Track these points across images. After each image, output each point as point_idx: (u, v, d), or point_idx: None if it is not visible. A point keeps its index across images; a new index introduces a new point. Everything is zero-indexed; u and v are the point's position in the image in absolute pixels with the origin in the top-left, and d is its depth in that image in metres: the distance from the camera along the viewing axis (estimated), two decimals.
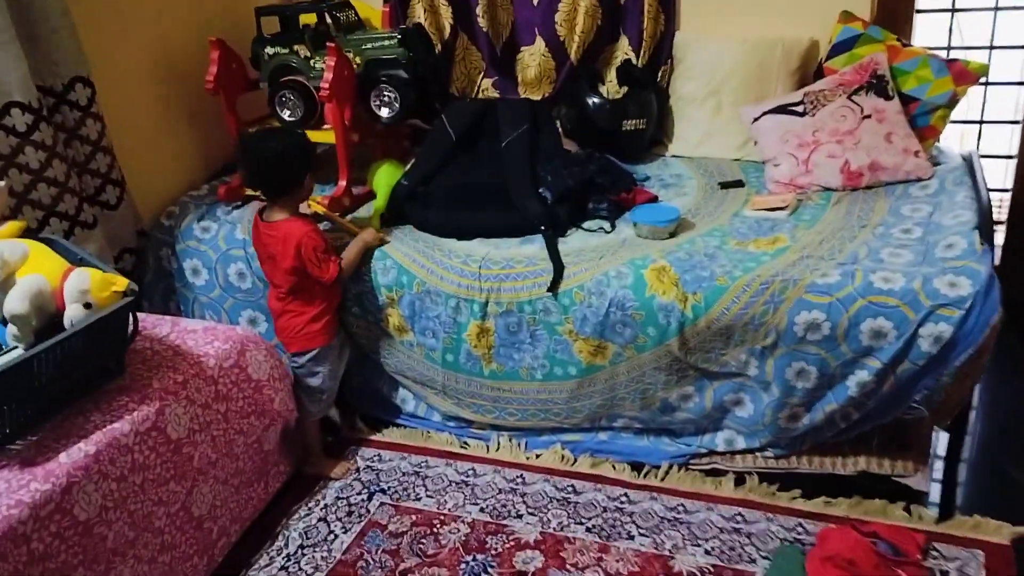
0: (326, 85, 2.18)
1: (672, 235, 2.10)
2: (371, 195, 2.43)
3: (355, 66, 2.32)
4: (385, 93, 2.30)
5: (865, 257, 1.89)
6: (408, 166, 2.37)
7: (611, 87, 2.75)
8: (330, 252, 1.99)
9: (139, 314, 1.74)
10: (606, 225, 2.20)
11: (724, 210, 2.25)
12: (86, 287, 1.49)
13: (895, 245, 1.93)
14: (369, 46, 2.33)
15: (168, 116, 2.50)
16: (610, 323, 1.95)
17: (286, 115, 2.38)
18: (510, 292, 2.04)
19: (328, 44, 2.19)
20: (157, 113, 2.45)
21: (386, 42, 2.30)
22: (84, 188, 2.15)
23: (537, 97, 2.81)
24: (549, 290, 1.99)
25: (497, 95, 2.86)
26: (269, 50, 2.41)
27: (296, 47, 2.37)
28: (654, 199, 2.31)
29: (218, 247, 2.31)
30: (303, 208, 2.08)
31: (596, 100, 2.56)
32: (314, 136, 2.35)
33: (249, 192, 2.40)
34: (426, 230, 2.25)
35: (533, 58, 2.80)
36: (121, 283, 1.53)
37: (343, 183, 2.36)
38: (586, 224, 2.23)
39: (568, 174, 2.26)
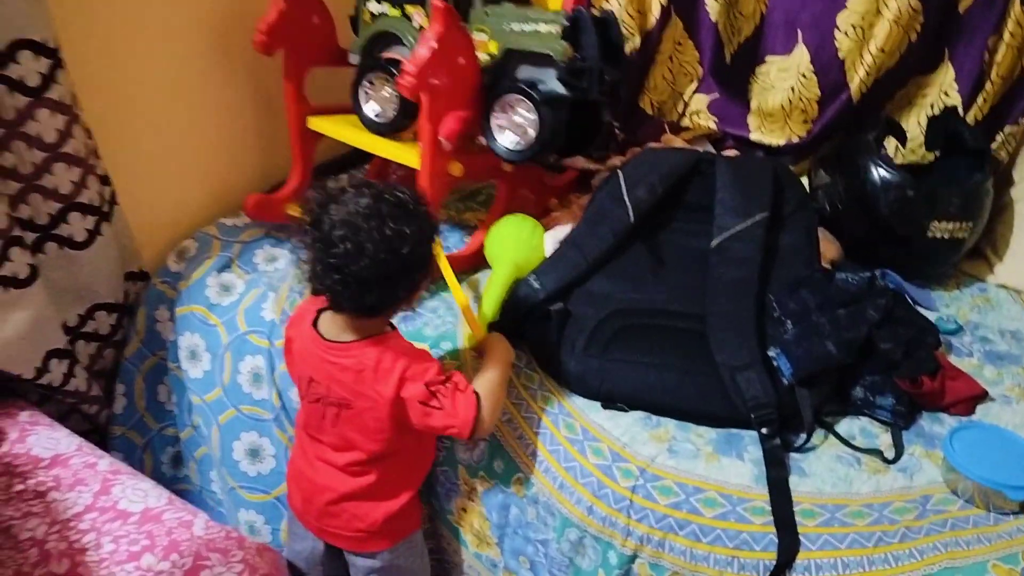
0: (411, 68, 1.24)
1: None
2: (475, 259, 1.52)
3: (486, 54, 1.37)
4: (518, 110, 1.34)
5: None
6: (550, 254, 1.41)
7: (912, 148, 1.65)
8: (452, 377, 1.10)
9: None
10: (885, 448, 1.17)
11: None
12: None
13: None
14: (515, 27, 1.36)
15: (195, 103, 1.59)
16: None
17: (370, 111, 1.47)
18: (682, 556, 1.07)
19: (434, 3, 1.25)
20: (176, 99, 1.55)
21: (542, 26, 1.33)
22: (29, 218, 1.33)
23: (777, 141, 1.75)
24: None
25: (713, 125, 1.82)
26: (374, 6, 1.49)
27: (412, 8, 1.43)
28: (979, 397, 1.25)
29: (235, 325, 1.45)
30: None
31: (888, 175, 1.48)
32: (382, 148, 1.45)
33: (296, 212, 1.51)
34: (556, 377, 1.29)
35: (784, 77, 1.74)
36: None
37: None
38: (844, 425, 1.21)
39: (828, 325, 1.22)
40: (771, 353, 1.21)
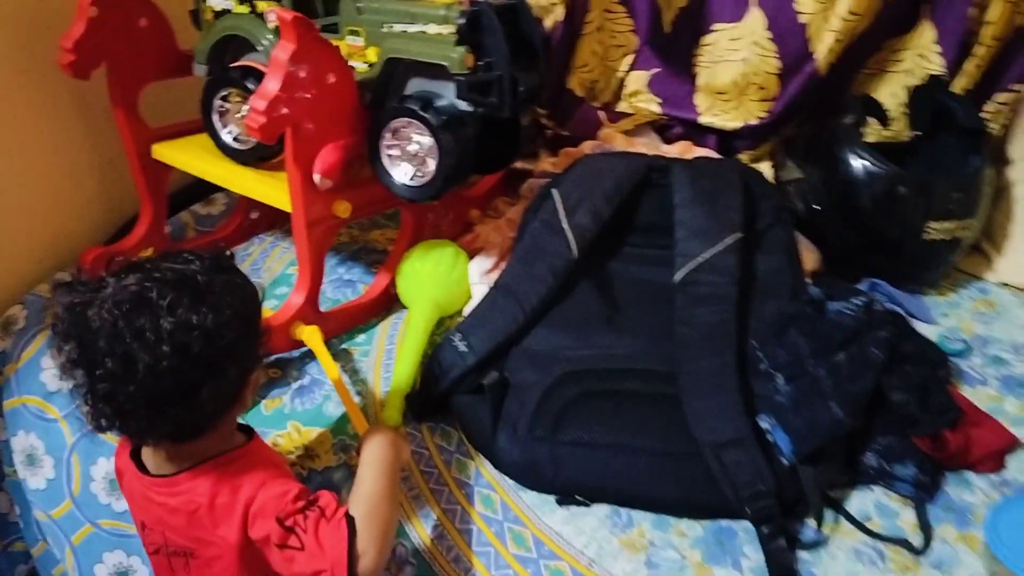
0: (259, 104, 0.92)
1: None
2: (383, 303, 1.23)
3: (364, 63, 1.07)
4: (411, 135, 1.04)
5: None
6: (477, 302, 1.13)
7: (894, 127, 1.40)
8: (318, 501, 0.79)
9: None
10: (910, 530, 0.93)
11: None
12: None
13: None
14: (396, 28, 1.04)
15: (2, 138, 1.25)
16: None
17: (227, 136, 1.15)
18: None
19: (280, 14, 0.93)
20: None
21: (431, 27, 1.01)
22: None
23: (732, 124, 1.49)
24: None
25: (657, 107, 1.54)
26: (216, 1, 1.15)
27: (263, 4, 1.10)
28: (1010, 445, 1.03)
29: (81, 419, 1.11)
30: None
31: (873, 167, 1.23)
32: (242, 184, 1.14)
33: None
34: (497, 465, 1.02)
35: (735, 47, 1.46)
36: None
37: (299, 296, 1.14)
38: (856, 501, 0.97)
39: (828, 378, 0.97)
40: (764, 424, 0.95)
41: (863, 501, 0.98)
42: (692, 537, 0.94)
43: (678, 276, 1.07)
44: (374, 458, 0.86)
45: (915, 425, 0.98)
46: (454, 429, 1.07)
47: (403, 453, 0.91)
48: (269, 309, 1.22)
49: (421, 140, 1.03)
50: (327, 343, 1.20)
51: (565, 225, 1.09)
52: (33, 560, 1.24)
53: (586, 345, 1.05)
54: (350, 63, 1.04)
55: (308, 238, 1.08)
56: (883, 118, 1.34)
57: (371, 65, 1.06)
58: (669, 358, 1.02)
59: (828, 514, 0.96)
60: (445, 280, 1.23)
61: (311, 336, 1.11)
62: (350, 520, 0.77)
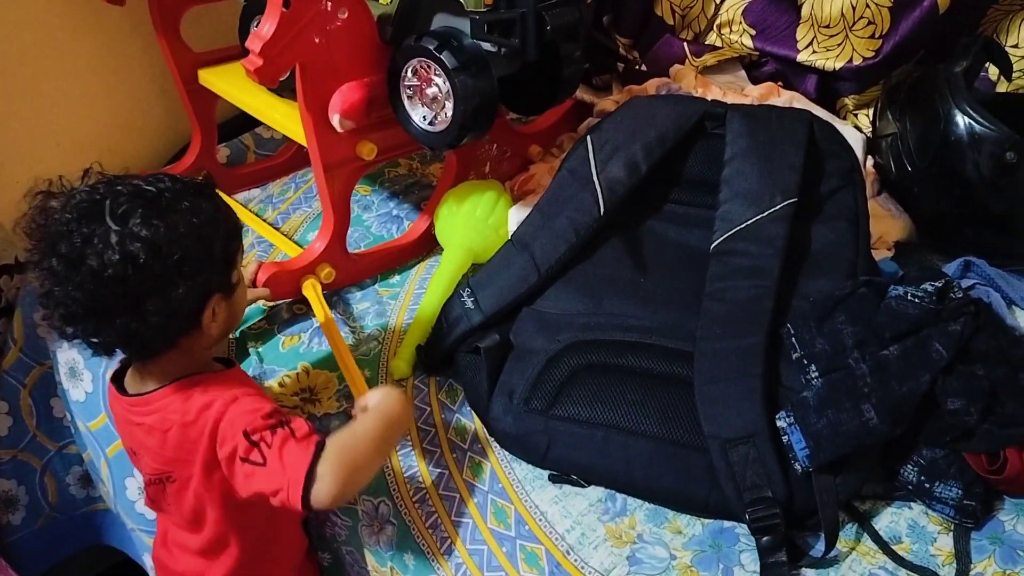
0: (255, 44, 0.87)
1: None
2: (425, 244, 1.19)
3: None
4: (433, 78, 0.95)
5: None
6: (494, 255, 1.06)
7: (1017, 77, 1.18)
8: (291, 422, 0.77)
9: None
10: (943, 559, 0.80)
11: None
12: None
13: None
14: None
15: (65, 62, 1.26)
16: None
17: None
18: None
19: None
20: (39, 60, 1.22)
21: None
22: None
23: (835, 63, 1.30)
24: None
25: (749, 41, 1.37)
26: None
27: None
28: None
29: None
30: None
31: (981, 127, 1.03)
32: (271, 116, 1.11)
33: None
34: (488, 429, 0.96)
35: None
36: None
37: (322, 242, 1.09)
38: (887, 517, 0.85)
39: (870, 376, 0.84)
40: (780, 423, 0.84)
41: (896, 518, 0.86)
42: (688, 536, 0.86)
43: (715, 244, 0.95)
44: (378, 409, 0.81)
45: (969, 439, 0.84)
46: (461, 387, 1.01)
47: (408, 419, 0.87)
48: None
49: (439, 83, 0.95)
50: (360, 285, 1.18)
51: (595, 177, 0.99)
52: (85, 464, 1.32)
53: (602, 312, 0.96)
54: None
55: (328, 181, 1.04)
56: (1007, 67, 1.12)
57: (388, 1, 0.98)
58: (692, 336, 0.92)
59: (850, 528, 0.85)
60: (481, 225, 1.16)
61: (307, 287, 1.08)
62: (320, 445, 0.73)
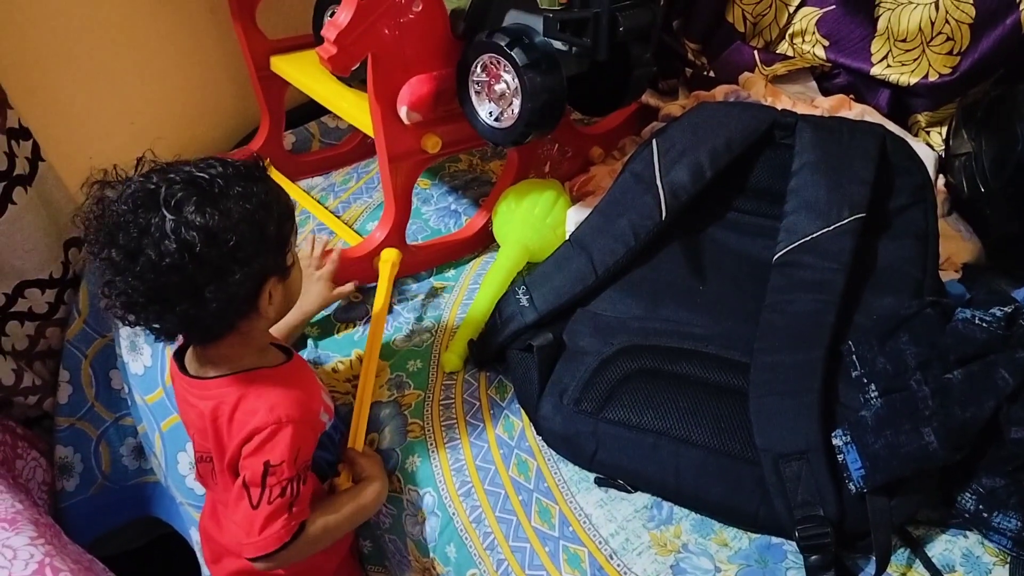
0: (330, 33, 0.88)
1: None
2: (481, 240, 1.20)
3: None
4: (502, 75, 0.95)
5: None
6: (551, 255, 1.06)
7: None
8: (299, 496, 0.80)
9: None
10: None
11: None
12: None
13: None
14: None
15: (143, 43, 1.29)
16: None
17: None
18: None
19: None
20: (119, 39, 1.26)
21: None
22: None
23: (909, 78, 1.27)
24: None
25: (822, 52, 1.35)
26: None
27: None
28: None
29: None
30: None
31: None
32: (339, 104, 1.11)
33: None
34: (537, 428, 0.96)
35: None
36: None
37: (382, 231, 1.11)
38: (941, 544, 0.83)
39: (932, 399, 0.82)
40: (837, 441, 0.82)
41: (950, 547, 0.84)
42: (735, 549, 0.85)
43: (777, 255, 0.94)
44: (358, 502, 0.88)
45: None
46: (511, 384, 1.01)
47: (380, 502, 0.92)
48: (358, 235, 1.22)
49: (508, 79, 0.95)
50: (416, 277, 1.19)
51: (659, 181, 0.99)
52: (139, 436, 1.35)
53: (658, 318, 0.96)
54: None
55: (392, 172, 1.05)
56: None
57: None
58: (749, 347, 0.90)
59: (902, 552, 0.83)
60: (539, 224, 1.16)
61: (385, 261, 1.09)
62: (300, 528, 0.80)
